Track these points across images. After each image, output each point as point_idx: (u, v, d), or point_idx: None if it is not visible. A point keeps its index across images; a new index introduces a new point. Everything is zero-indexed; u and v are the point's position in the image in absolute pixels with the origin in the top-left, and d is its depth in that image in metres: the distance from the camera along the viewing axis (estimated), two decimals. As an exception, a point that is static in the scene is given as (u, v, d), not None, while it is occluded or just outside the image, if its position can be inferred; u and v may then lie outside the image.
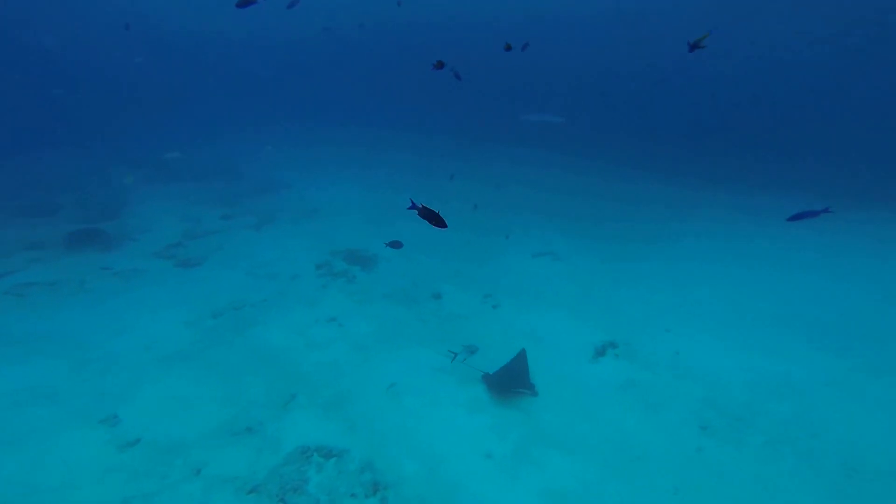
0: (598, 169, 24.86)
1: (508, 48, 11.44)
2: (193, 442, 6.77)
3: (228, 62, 55.85)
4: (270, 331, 9.94)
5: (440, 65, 10.29)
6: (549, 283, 12.01)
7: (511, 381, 7.70)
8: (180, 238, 15.49)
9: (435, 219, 4.63)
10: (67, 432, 6.97)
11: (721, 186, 21.63)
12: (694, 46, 6.12)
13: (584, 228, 16.00)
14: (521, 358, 8.03)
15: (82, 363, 8.75)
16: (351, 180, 22.90)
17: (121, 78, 43.33)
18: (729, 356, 8.63)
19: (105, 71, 43.25)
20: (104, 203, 18.15)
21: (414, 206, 4.81)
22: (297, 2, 12.60)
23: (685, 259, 13.33)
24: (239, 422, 7.17)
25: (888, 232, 15.10)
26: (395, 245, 9.98)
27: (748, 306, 10.56)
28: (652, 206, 18.86)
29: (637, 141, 31.49)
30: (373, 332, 9.89)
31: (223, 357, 9.00)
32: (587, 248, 14.35)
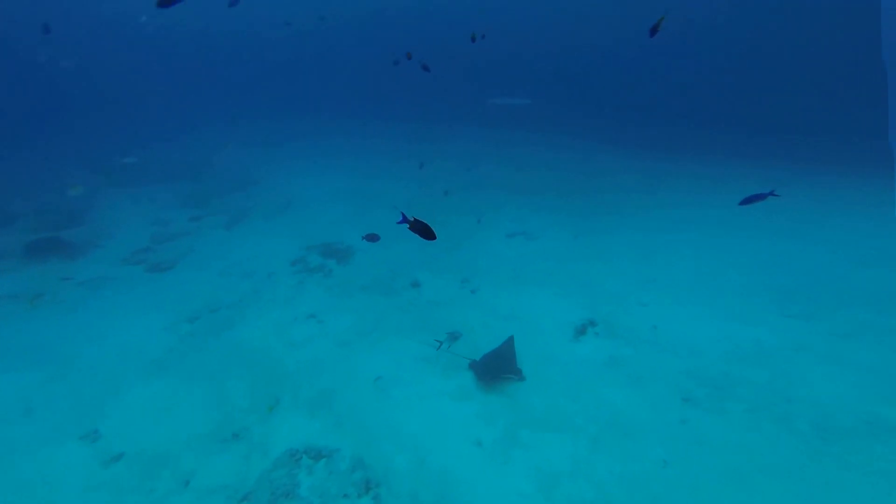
0: (566, 145, 25.05)
1: (474, 39, 11.35)
2: (179, 452, 6.62)
3: (197, 59, 53.78)
4: (249, 332, 9.75)
5: (409, 56, 10.13)
6: (525, 263, 12.08)
7: (499, 367, 7.75)
8: (149, 242, 15.00)
9: (426, 231, 4.61)
10: (46, 450, 6.74)
11: (687, 156, 22.05)
12: (654, 31, 6.21)
13: (555, 204, 16.09)
14: (508, 344, 8.10)
15: (56, 377, 8.45)
16: (322, 171, 22.46)
17: (78, 76, 41.23)
18: (704, 327, 8.87)
19: (53, 70, 41.01)
20: (65, 210, 17.37)
21: (405, 220, 4.75)
22: (238, 0, 12.03)
23: (655, 230, 13.55)
24: (224, 428, 7.04)
25: (855, 195, 15.65)
26: (372, 238, 9.84)
27: (720, 275, 10.81)
28: (620, 177, 19.15)
29: (603, 116, 31.78)
30: (353, 325, 9.80)
31: (203, 362, 8.80)
32: (560, 224, 14.46)
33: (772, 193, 6.96)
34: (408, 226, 4.69)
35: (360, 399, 7.56)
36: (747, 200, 7.00)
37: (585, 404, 7.24)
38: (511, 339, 8.20)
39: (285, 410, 7.35)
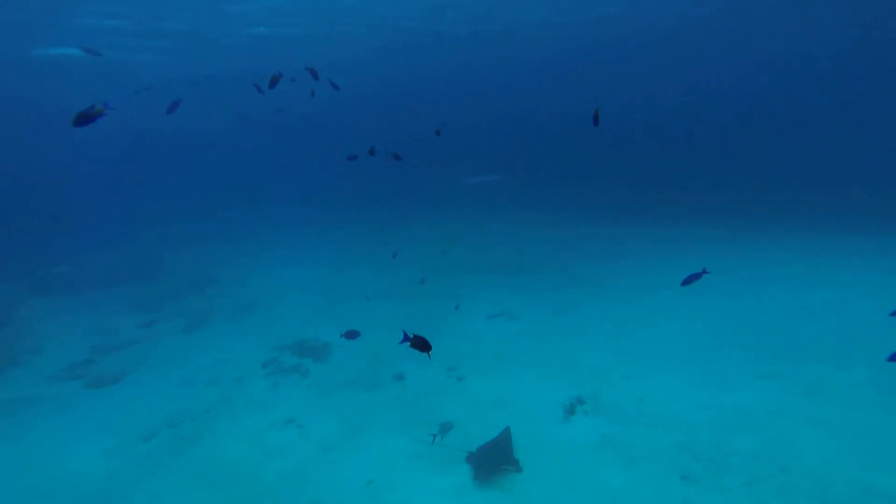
0: (536, 219, 25.88)
1: (438, 133, 12.43)
2: None
3: (145, 157, 53.38)
4: (220, 444, 8.96)
5: (372, 152, 10.78)
6: (509, 345, 12.10)
7: (496, 459, 7.50)
8: (89, 354, 13.77)
9: (424, 346, 4.70)
10: None
11: (647, 220, 23.33)
12: (595, 120, 7.14)
13: (531, 281, 16.49)
14: (505, 435, 7.92)
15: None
16: (289, 264, 22.09)
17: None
18: (687, 395, 9.06)
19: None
20: None
21: (406, 339, 4.83)
22: (177, 107, 12.26)
23: (626, 299, 14.04)
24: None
25: (783, 253, 17.05)
26: (352, 335, 9.73)
27: (691, 338, 11.18)
28: (588, 246, 19.86)
29: (568, 185, 33.87)
30: (337, 427, 9.25)
31: (166, 485, 7.89)
32: (537, 301, 14.72)
33: (704, 271, 7.85)
34: (409, 343, 4.78)
35: (353, 508, 6.96)
36: (687, 281, 7.83)
37: (584, 489, 7.05)
38: (507, 430, 8.04)
39: (270, 531, 6.60)
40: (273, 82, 10.02)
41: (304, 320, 15.02)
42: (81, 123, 4.61)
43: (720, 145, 41.63)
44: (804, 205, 22.64)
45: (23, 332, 15.55)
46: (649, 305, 13.37)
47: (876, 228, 17.55)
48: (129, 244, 29.40)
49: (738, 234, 19.12)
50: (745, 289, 13.74)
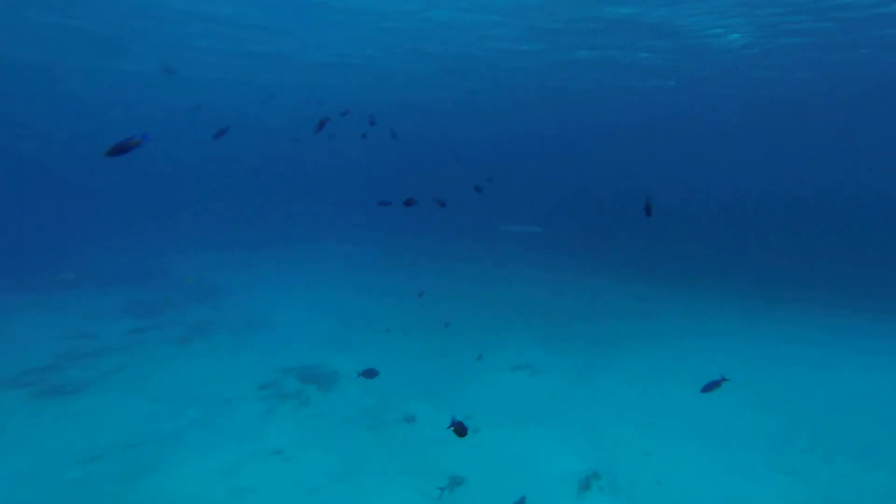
0: (566, 265, 23.99)
1: (478, 189, 11.44)
2: None
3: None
4: (180, 474, 6.57)
5: (409, 203, 9.63)
6: (530, 401, 10.06)
7: None
8: (53, 359, 11.46)
9: (461, 430, 5.03)
10: None
11: (680, 281, 21.41)
12: (648, 211, 7.06)
13: (559, 333, 14.24)
14: None
15: None
16: (306, 283, 20.00)
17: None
18: (707, 483, 7.39)
19: None
20: None
21: (453, 424, 5.07)
22: (224, 133, 11.34)
23: (653, 366, 12.01)
24: None
25: (819, 336, 14.51)
26: (370, 374, 8.15)
27: (715, 417, 9.50)
28: (620, 301, 17.88)
29: (602, 239, 32.10)
30: (330, 466, 6.83)
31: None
32: (564, 355, 12.59)
33: (724, 379, 7.56)
34: (453, 429, 5.07)
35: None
36: (707, 388, 7.50)
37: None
38: (523, 500, 6.66)
39: None
40: (321, 125, 10.16)
41: (316, 344, 12.71)
42: (115, 153, 4.65)
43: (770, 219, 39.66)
44: (841, 280, 21.12)
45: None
46: (676, 374, 11.47)
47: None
48: (138, 247, 27.78)
49: (772, 306, 17.58)
50: (776, 368, 11.91)
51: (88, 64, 22.46)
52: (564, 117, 31.98)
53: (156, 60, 21.56)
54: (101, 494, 6.25)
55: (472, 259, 26.10)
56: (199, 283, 19.10)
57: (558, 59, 20.26)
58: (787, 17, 15.09)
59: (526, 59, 20.39)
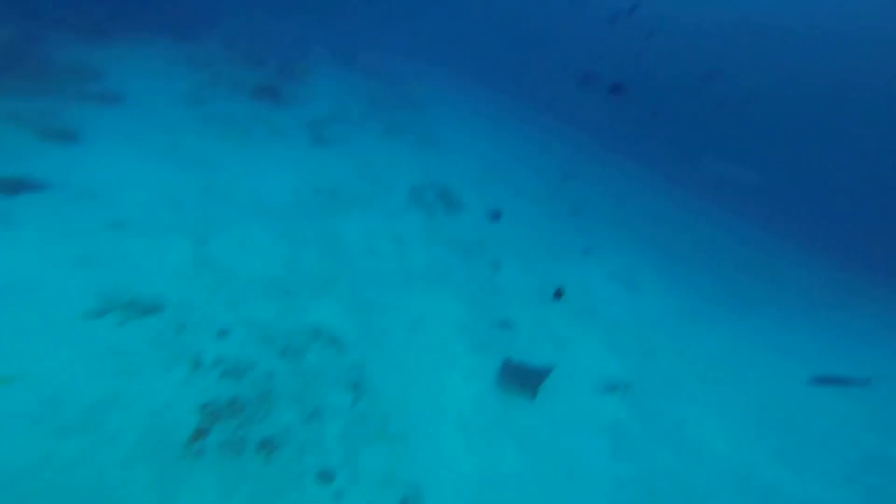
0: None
1: (559, 295, 8.98)
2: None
3: None
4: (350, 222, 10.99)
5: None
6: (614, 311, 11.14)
7: (524, 380, 7.88)
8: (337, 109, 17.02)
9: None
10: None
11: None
12: None
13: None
14: (546, 370, 8.14)
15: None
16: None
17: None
18: None
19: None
20: (293, 67, 20.31)
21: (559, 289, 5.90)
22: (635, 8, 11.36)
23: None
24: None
25: None
26: (496, 215, 10.09)
27: None
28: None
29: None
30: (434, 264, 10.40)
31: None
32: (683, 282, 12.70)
33: (868, 380, 5.38)
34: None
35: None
36: (824, 380, 5.41)
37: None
38: (551, 368, 8.20)
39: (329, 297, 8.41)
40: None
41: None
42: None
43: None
44: None
45: (312, 85, 19.76)
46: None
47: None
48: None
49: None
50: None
51: None
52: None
53: None
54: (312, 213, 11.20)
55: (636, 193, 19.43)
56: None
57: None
58: None
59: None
